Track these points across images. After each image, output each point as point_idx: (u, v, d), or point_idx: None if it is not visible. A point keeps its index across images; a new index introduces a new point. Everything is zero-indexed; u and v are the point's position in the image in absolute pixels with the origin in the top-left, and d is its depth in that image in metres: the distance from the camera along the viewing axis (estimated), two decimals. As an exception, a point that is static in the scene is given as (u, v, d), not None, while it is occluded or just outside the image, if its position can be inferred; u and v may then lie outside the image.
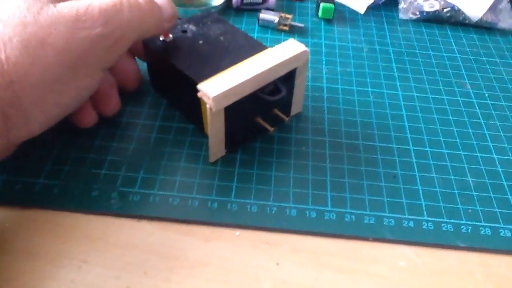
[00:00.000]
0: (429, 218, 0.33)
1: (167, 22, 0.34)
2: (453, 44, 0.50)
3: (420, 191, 0.34)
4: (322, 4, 0.51)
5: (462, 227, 0.32)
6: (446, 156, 0.37)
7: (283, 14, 0.50)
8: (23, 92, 0.27)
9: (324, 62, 0.46)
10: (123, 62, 0.38)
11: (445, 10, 0.52)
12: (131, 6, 0.31)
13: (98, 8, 0.29)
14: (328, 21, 0.52)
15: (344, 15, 0.53)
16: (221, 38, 0.37)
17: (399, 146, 0.38)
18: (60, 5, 0.28)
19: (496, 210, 0.34)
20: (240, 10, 0.52)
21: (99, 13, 0.29)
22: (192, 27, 0.38)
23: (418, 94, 0.43)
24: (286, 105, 0.38)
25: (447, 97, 0.43)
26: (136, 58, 0.40)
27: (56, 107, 0.30)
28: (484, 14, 0.52)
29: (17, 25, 0.27)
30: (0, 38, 0.27)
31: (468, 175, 0.36)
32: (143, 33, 0.33)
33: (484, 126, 0.40)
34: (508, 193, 0.35)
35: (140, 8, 0.31)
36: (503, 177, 0.36)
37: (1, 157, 0.30)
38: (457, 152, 0.38)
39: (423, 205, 0.33)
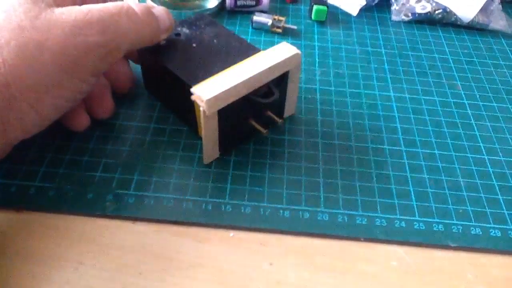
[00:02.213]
0: (421, 218, 0.33)
1: (163, 33, 0.35)
2: (445, 45, 0.51)
3: (412, 191, 0.35)
4: (315, 7, 0.51)
5: (453, 227, 0.33)
6: (438, 157, 0.38)
7: (276, 17, 0.50)
8: (19, 94, 0.28)
9: (317, 64, 0.46)
10: (116, 65, 0.38)
11: (436, 12, 0.53)
12: (129, 18, 0.31)
13: (96, 16, 0.29)
14: (321, 23, 0.53)
15: (337, 17, 0.54)
16: (215, 41, 0.38)
17: (391, 147, 0.38)
18: (58, 10, 0.29)
19: (487, 210, 0.34)
20: (234, 13, 0.53)
21: (97, 22, 0.29)
22: (185, 30, 0.39)
23: (410, 96, 0.43)
24: (279, 107, 0.38)
25: (438, 98, 0.43)
26: (129, 61, 0.40)
27: (51, 109, 0.30)
28: (476, 16, 0.52)
29: (14, 29, 0.27)
30: None
31: (459, 175, 0.36)
32: (138, 44, 0.34)
33: (475, 127, 0.41)
34: (499, 193, 0.35)
35: (137, 19, 0.32)
36: (493, 178, 0.36)
37: (-1, 158, 0.31)
38: (448, 153, 0.38)
39: (415, 205, 0.34)
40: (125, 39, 0.32)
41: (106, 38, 0.30)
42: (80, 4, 0.30)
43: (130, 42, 0.32)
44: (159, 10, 0.34)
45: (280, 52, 0.35)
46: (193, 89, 0.31)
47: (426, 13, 0.53)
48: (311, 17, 0.52)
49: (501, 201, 0.35)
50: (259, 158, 0.36)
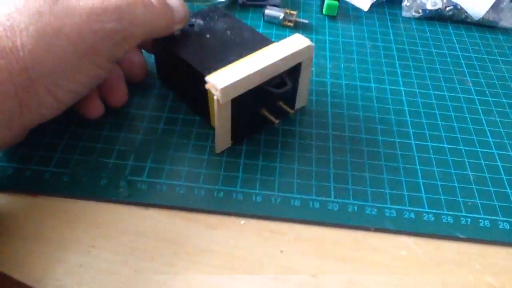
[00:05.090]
0: (430, 210, 0.33)
1: (177, 24, 0.35)
2: (455, 42, 0.51)
3: (421, 183, 0.35)
4: (326, 1, 0.51)
5: (461, 219, 0.33)
6: (447, 150, 0.38)
7: (288, 10, 0.50)
8: (37, 78, 0.28)
9: (328, 58, 0.47)
10: (130, 54, 0.38)
11: (447, 9, 0.53)
12: (145, 7, 0.32)
13: (113, 3, 0.30)
14: (332, 17, 0.53)
15: (348, 12, 0.54)
16: (228, 32, 0.38)
17: (401, 140, 0.38)
18: None
19: (495, 203, 0.34)
20: (246, 6, 0.53)
21: (114, 9, 0.30)
22: (199, 21, 0.39)
23: (420, 90, 0.44)
24: (291, 99, 0.38)
25: (448, 93, 0.44)
26: (143, 50, 0.41)
27: (68, 93, 0.31)
28: (486, 13, 0.53)
29: (33, 14, 0.28)
30: (16, 25, 0.28)
31: (468, 169, 0.37)
32: (153, 33, 0.34)
33: (484, 122, 0.41)
34: (507, 187, 0.36)
35: (153, 9, 0.33)
36: (502, 172, 0.37)
37: (16, 141, 0.31)
38: (458, 147, 0.38)
39: (424, 197, 0.34)
40: (141, 27, 0.32)
41: (122, 25, 0.31)
42: None
43: (145, 31, 0.33)
44: (174, 1, 0.35)
45: (293, 44, 0.35)
46: (207, 78, 0.32)
47: (437, 9, 0.53)
48: (322, 12, 0.53)
49: (510, 194, 0.35)
50: (271, 148, 0.37)
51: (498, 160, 0.38)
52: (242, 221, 0.32)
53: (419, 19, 0.54)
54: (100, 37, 0.30)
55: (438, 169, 0.36)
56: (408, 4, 0.54)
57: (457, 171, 0.36)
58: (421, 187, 0.35)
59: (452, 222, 0.33)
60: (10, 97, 0.28)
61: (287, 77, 0.35)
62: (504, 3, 0.53)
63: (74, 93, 0.31)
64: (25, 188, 0.33)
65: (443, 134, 0.39)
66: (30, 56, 0.28)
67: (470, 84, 0.45)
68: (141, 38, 0.33)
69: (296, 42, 0.35)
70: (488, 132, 0.40)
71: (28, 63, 0.28)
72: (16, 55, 0.27)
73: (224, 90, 0.31)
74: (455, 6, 0.53)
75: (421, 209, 0.33)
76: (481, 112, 0.42)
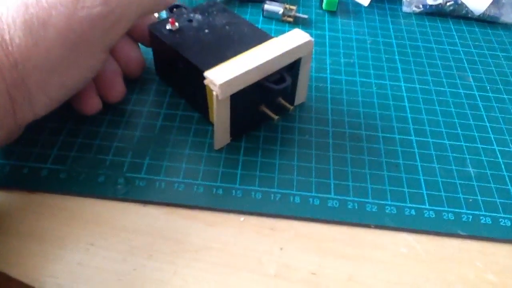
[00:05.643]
0: (431, 207, 0.33)
1: None
2: (456, 37, 0.51)
3: (422, 180, 0.35)
4: (326, -4, 0.51)
5: (462, 216, 0.33)
6: (448, 146, 0.38)
7: (287, 6, 0.50)
8: (27, 73, 0.28)
9: (328, 54, 0.46)
10: (127, 49, 0.38)
11: (448, 4, 0.53)
12: None
13: None
14: (332, 13, 0.52)
15: (348, 7, 0.54)
16: (227, 27, 0.38)
17: (401, 137, 0.38)
18: None
19: (497, 200, 0.34)
20: (245, 1, 0.53)
21: None
22: (197, 17, 0.39)
23: (420, 86, 0.43)
24: (290, 95, 0.38)
25: (449, 89, 0.43)
26: (140, 46, 0.40)
27: (60, 88, 0.30)
28: (487, 8, 0.52)
29: (19, 7, 0.27)
30: (5, 20, 0.27)
31: (469, 165, 0.36)
32: (144, 10, 0.33)
33: (485, 118, 0.41)
34: (509, 184, 0.35)
35: None
36: (503, 168, 0.36)
37: (10, 139, 0.31)
38: (459, 143, 0.38)
39: (425, 194, 0.34)
40: (130, 5, 0.31)
41: (109, 7, 0.29)
42: None
43: (136, 9, 0.31)
44: None
45: (292, 39, 0.35)
46: (206, 74, 0.32)
47: (438, 5, 0.53)
48: (322, 7, 0.52)
49: (511, 191, 0.35)
50: (270, 145, 0.36)
51: (499, 156, 0.37)
52: (242, 218, 0.32)
53: (419, 14, 0.54)
54: (88, 25, 0.29)
55: (439, 166, 0.36)
56: (408, -1, 0.54)
57: (458, 168, 0.36)
58: (422, 184, 0.35)
59: (453, 219, 0.33)
60: (1, 94, 0.27)
61: (286, 73, 0.35)
62: (505, -2, 0.53)
63: (67, 89, 0.31)
64: (22, 185, 0.32)
65: (443, 130, 0.39)
66: (18, 50, 0.27)
67: (471, 80, 0.45)
68: (133, 17, 0.31)
69: (295, 38, 0.35)
70: (489, 128, 0.40)
71: (18, 58, 0.27)
72: (5, 50, 0.27)
73: (223, 85, 0.31)
74: (456, 1, 0.52)
75: (421, 206, 0.33)
76: (482, 108, 0.42)
